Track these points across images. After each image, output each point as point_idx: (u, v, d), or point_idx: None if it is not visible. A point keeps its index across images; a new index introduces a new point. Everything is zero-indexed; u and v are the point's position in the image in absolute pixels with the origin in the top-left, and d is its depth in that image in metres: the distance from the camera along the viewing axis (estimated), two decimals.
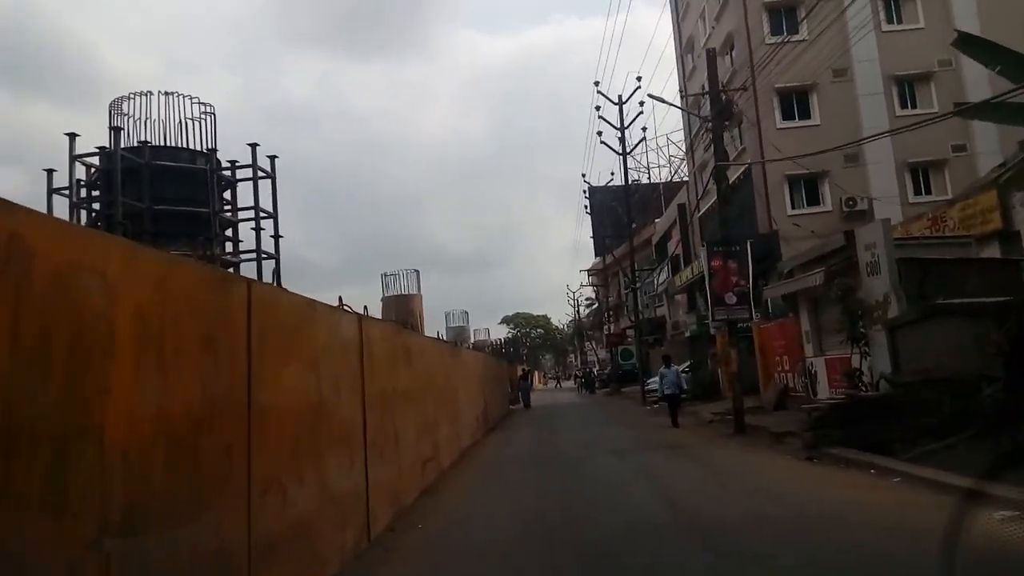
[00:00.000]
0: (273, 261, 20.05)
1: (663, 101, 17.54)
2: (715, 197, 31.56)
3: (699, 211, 36.25)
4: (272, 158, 20.49)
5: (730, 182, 29.78)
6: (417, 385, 9.72)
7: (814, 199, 27.55)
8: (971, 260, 13.18)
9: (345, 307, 6.76)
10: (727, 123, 15.53)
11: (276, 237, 20.21)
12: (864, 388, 13.50)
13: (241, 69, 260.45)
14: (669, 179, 53.07)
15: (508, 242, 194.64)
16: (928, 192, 26.76)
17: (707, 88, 15.27)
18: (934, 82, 27.21)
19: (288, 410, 4.78)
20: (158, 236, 18.09)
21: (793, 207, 27.36)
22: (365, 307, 7.47)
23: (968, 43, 10.14)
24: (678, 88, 40.73)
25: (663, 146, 73.55)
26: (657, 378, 18.76)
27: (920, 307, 11.03)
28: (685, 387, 17.49)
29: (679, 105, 22.10)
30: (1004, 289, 11.97)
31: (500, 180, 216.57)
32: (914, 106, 27.33)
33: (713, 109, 14.75)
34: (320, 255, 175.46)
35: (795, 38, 25.37)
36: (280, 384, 4.65)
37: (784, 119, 27.53)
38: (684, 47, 37.81)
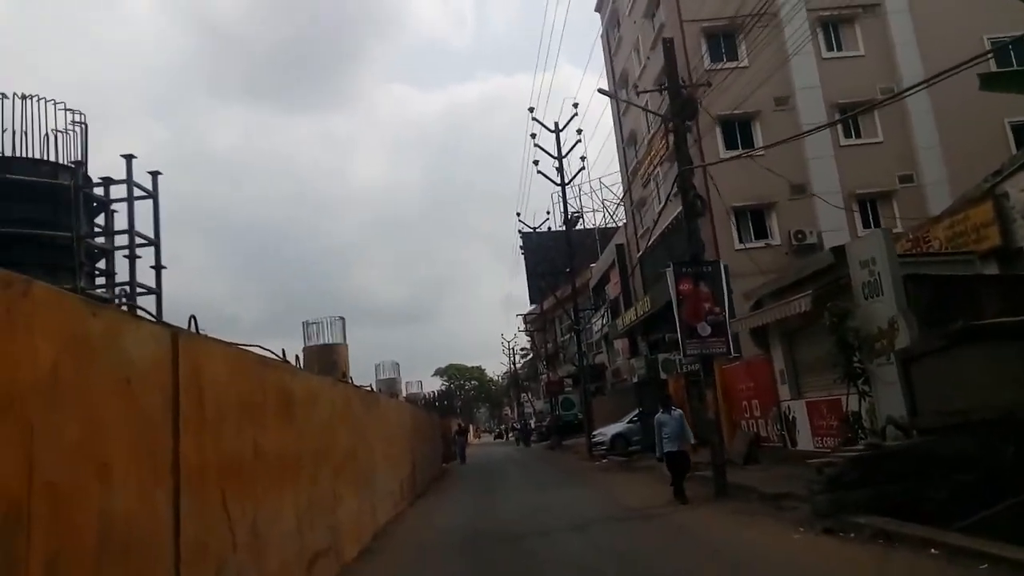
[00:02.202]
0: (155, 297, 16.73)
1: (609, 96, 15.66)
2: (656, 234, 30.03)
3: (639, 250, 34.59)
4: (154, 174, 17.34)
5: (672, 218, 28.30)
6: (305, 447, 6.81)
7: (761, 232, 26.05)
8: (989, 277, 11.23)
9: (137, 309, 3.90)
10: (689, 122, 13.45)
11: (157, 268, 16.89)
12: (864, 436, 11.23)
13: (166, 120, 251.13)
14: (604, 224, 51.77)
15: (441, 295, 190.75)
16: (876, 224, 25.52)
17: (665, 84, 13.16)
18: (877, 110, 26.26)
19: None
20: (2, 265, 14.65)
21: (740, 241, 25.70)
22: (192, 316, 4.55)
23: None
24: (612, 124, 39.56)
25: (596, 190, 72.56)
26: (651, 427, 13.32)
27: (948, 331, 8.86)
28: (693, 440, 12.24)
29: (633, 101, 19.88)
30: None
31: (432, 233, 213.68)
32: (858, 135, 26.42)
33: (673, 105, 12.66)
34: (246, 310, 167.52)
35: (735, 65, 24.18)
36: None
37: (727, 148, 26.00)
38: (618, 82, 36.57)
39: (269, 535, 5.55)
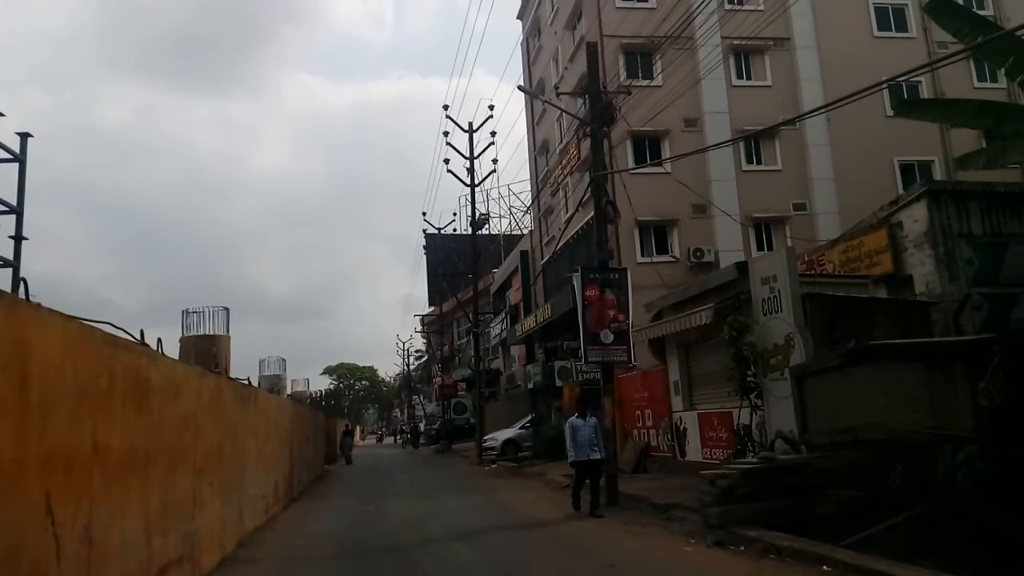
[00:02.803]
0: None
1: (528, 93, 15.34)
2: (562, 243, 30.13)
3: (543, 257, 34.62)
4: (23, 136, 15.53)
5: (580, 226, 28.46)
6: (162, 442, 5.96)
7: (663, 248, 26.54)
8: (883, 300, 11.59)
9: None
10: (607, 128, 13.29)
11: (17, 239, 15.09)
12: (754, 449, 11.35)
13: (52, 88, 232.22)
14: (509, 231, 51.70)
15: (337, 292, 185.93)
16: (770, 247, 26.53)
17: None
18: (778, 140, 27.42)
19: None
20: None
21: (643, 254, 26.09)
22: (22, 279, 3.78)
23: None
24: (525, 132, 39.53)
25: (505, 196, 72.63)
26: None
27: (843, 350, 8.98)
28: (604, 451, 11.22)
29: (553, 102, 19.54)
30: (916, 334, 10.40)
31: (333, 229, 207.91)
32: (759, 162, 27.38)
33: (593, 109, 12.46)
34: (123, 295, 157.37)
35: (648, 83, 24.56)
36: None
37: (637, 163, 26.35)
38: (535, 90, 36.50)
39: (108, 543, 4.73)
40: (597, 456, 10.91)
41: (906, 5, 28.82)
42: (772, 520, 8.32)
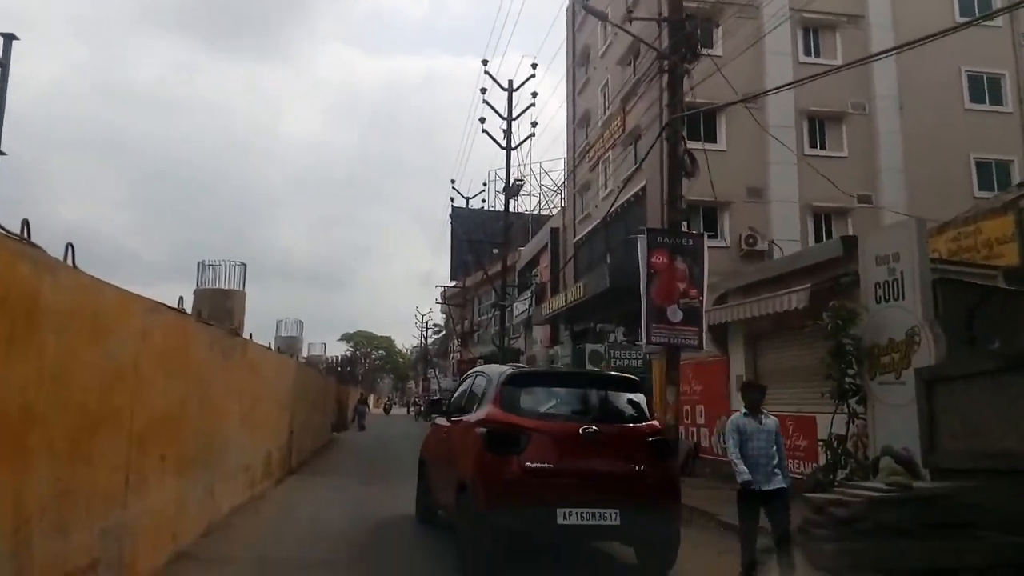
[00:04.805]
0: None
1: (597, 14, 13.05)
2: (597, 221, 27.97)
3: (575, 236, 32.53)
4: (8, 37, 13.67)
5: (619, 203, 26.29)
6: (63, 396, 3.99)
7: (712, 232, 24.25)
8: None
9: None
10: (688, 64, 11.12)
11: None
12: (844, 465, 9.25)
13: (88, 38, 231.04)
14: (538, 210, 49.43)
15: (359, 262, 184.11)
16: (829, 239, 24.21)
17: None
18: (845, 124, 25.03)
19: None
20: None
21: None
22: None
23: None
24: (566, 106, 37.12)
25: (536, 174, 70.04)
26: (728, 437, 6.61)
27: (1005, 352, 6.85)
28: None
29: (626, 29, 16.73)
30: None
31: (357, 199, 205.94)
32: (823, 147, 24.99)
33: (672, 39, 10.33)
34: (146, 247, 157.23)
35: (710, 53, 22.28)
36: None
37: (690, 139, 24.01)
38: (578, 59, 34.24)
39: None
40: (781, 484, 6.63)
41: None
42: (899, 567, 6.24)
